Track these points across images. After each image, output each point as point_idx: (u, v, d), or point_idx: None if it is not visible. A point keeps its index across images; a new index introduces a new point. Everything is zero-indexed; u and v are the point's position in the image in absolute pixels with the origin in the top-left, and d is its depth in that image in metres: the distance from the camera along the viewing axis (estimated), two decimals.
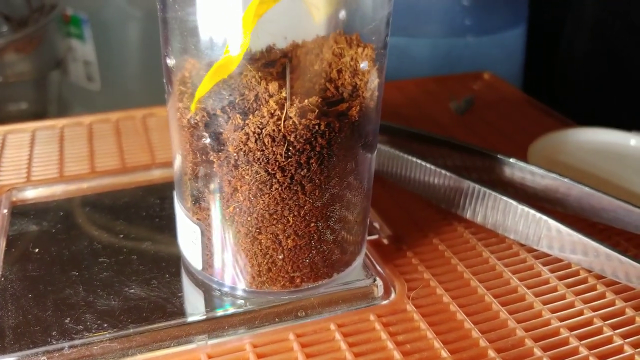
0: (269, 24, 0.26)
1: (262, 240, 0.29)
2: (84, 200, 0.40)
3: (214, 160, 0.28)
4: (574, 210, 0.38)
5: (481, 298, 0.33)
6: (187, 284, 0.33)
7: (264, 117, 0.26)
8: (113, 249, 0.35)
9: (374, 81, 0.29)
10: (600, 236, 0.36)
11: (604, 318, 0.31)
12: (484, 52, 0.71)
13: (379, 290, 0.33)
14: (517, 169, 0.40)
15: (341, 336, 0.30)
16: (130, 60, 0.85)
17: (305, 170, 0.27)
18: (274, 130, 0.26)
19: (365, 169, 0.30)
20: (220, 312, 0.31)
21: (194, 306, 0.31)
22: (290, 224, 0.28)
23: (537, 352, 0.29)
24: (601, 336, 0.30)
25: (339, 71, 0.28)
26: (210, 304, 0.31)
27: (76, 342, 0.29)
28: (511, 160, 0.40)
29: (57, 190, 0.41)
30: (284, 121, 0.26)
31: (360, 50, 0.28)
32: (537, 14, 0.77)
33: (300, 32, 0.29)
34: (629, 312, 0.32)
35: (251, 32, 0.25)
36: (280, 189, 0.27)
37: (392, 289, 0.33)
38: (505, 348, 0.29)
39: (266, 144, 0.26)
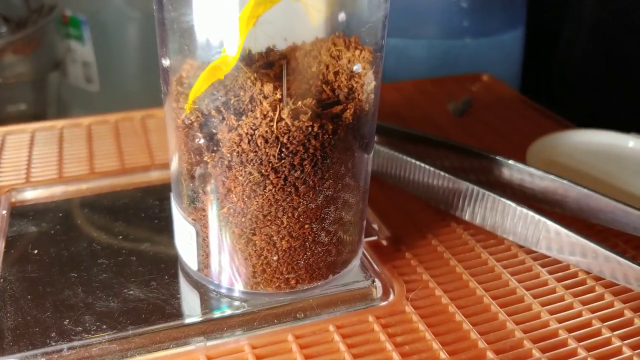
0: (268, 25, 0.26)
1: (257, 242, 0.29)
2: (83, 202, 0.40)
3: (209, 160, 0.28)
4: (573, 212, 0.38)
5: (480, 299, 0.33)
6: (185, 285, 0.33)
7: (257, 118, 0.26)
8: (112, 250, 0.35)
9: (370, 83, 0.29)
10: (598, 238, 0.36)
11: (603, 320, 0.31)
12: (482, 54, 0.71)
13: (378, 292, 0.33)
14: (515, 171, 0.40)
15: (340, 337, 0.30)
16: (129, 62, 0.85)
17: (298, 171, 0.27)
18: (266, 132, 0.26)
19: (361, 171, 0.30)
20: (218, 314, 0.31)
21: (193, 308, 0.31)
22: (284, 225, 0.28)
23: (536, 353, 0.29)
24: (600, 338, 0.30)
25: (336, 73, 0.28)
26: (208, 305, 0.31)
27: (75, 343, 0.29)
28: (510, 161, 0.40)
29: (56, 191, 0.41)
30: (277, 122, 0.26)
31: (357, 52, 0.28)
32: (536, 15, 0.77)
33: (300, 34, 0.29)
34: (628, 314, 0.32)
35: (247, 33, 0.25)
36: (273, 190, 0.27)
37: (390, 290, 0.33)
38: (504, 349, 0.29)
39: (259, 145, 0.26)
